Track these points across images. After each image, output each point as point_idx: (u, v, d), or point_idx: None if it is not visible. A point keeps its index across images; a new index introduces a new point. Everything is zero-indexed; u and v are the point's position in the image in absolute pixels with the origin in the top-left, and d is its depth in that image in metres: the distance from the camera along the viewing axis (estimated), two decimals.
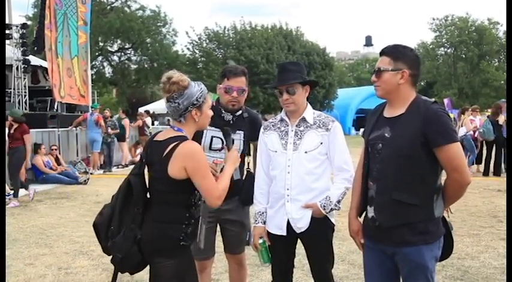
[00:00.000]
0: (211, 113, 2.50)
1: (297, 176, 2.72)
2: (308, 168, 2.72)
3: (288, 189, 2.74)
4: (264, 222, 2.84)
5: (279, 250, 2.82)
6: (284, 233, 2.76)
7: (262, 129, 2.93)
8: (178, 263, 2.38)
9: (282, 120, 2.86)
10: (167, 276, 2.38)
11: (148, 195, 2.45)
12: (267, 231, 2.84)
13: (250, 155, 3.26)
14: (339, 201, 2.74)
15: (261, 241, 2.82)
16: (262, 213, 2.85)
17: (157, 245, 2.36)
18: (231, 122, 3.09)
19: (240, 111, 3.14)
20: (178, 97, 2.37)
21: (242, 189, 3.07)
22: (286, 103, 2.77)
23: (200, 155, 2.35)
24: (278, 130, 2.84)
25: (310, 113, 2.81)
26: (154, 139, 2.46)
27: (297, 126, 2.79)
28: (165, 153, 2.33)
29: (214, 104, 3.15)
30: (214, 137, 3.07)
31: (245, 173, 3.17)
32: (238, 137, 3.10)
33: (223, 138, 2.93)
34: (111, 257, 2.44)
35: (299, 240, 2.85)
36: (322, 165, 2.77)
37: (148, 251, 2.37)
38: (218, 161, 2.85)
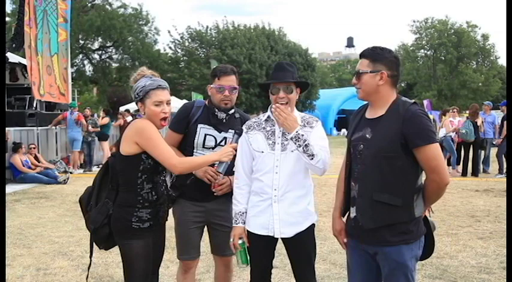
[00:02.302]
0: (157, 109, 2.62)
1: (284, 176, 2.72)
2: (296, 168, 2.72)
3: (275, 189, 2.72)
4: (244, 223, 2.82)
5: (260, 250, 2.80)
6: (271, 234, 2.74)
7: (244, 129, 2.89)
8: (139, 244, 2.59)
9: (267, 120, 2.82)
10: (130, 255, 2.60)
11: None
12: (247, 231, 2.82)
13: None
14: (307, 145, 2.59)
15: (240, 242, 2.79)
16: (243, 213, 2.82)
17: (115, 226, 2.61)
18: (224, 120, 3.10)
19: (233, 110, 3.14)
20: (132, 89, 2.68)
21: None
22: (281, 101, 2.72)
23: (148, 129, 2.56)
24: (263, 130, 2.80)
25: (297, 114, 2.81)
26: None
27: None
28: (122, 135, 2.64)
29: (206, 103, 3.16)
30: (208, 135, 3.08)
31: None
32: (231, 135, 3.10)
33: (232, 135, 2.99)
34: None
35: (279, 241, 2.85)
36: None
37: (113, 231, 2.62)
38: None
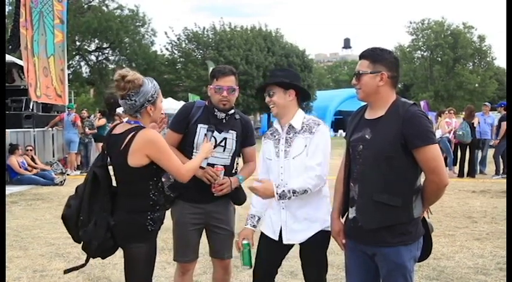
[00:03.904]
0: (162, 105, 2.65)
1: (289, 183, 2.74)
2: (298, 174, 2.72)
3: None
4: (253, 226, 2.89)
5: (266, 251, 2.84)
6: (275, 238, 2.80)
7: (263, 138, 3.00)
8: (148, 246, 2.59)
9: (276, 128, 2.91)
10: (139, 258, 2.58)
11: (114, 184, 2.63)
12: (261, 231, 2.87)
13: (240, 156, 3.26)
14: (294, 192, 2.66)
15: (245, 242, 2.83)
16: (254, 216, 2.90)
17: (127, 231, 2.55)
18: (224, 120, 3.11)
19: (232, 111, 3.15)
20: (135, 95, 2.50)
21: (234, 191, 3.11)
22: (270, 105, 2.85)
23: (159, 140, 2.51)
24: (273, 138, 2.89)
25: (298, 119, 2.83)
26: (113, 133, 2.61)
27: (287, 133, 2.82)
28: (123, 145, 2.49)
29: (207, 103, 3.16)
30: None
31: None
32: (231, 136, 3.11)
33: (206, 132, 3.02)
34: (81, 245, 2.61)
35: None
36: None
37: (121, 236, 2.56)
38: (219, 168, 3.00)
